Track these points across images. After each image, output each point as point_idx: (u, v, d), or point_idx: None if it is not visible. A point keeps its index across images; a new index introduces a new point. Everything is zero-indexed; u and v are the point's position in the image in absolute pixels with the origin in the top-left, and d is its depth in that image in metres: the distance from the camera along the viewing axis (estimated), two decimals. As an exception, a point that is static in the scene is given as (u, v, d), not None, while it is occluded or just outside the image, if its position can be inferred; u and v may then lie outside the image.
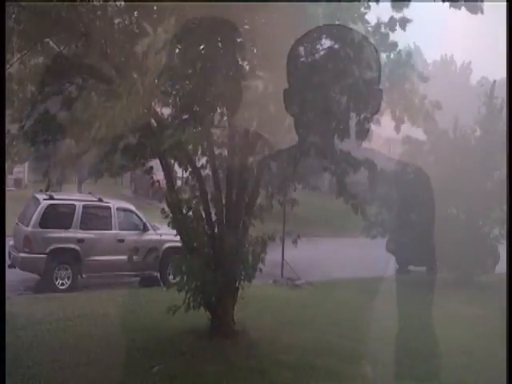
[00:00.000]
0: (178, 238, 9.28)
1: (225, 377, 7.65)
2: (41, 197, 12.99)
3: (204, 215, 9.07)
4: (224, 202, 9.02)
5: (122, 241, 13.33)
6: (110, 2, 7.46)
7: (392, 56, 8.23)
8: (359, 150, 8.05)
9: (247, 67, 7.63)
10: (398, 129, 8.37)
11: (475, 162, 15.62)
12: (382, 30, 7.94)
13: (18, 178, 23.08)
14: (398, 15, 7.82)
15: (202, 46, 7.41)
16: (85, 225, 13.22)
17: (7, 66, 7.42)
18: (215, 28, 7.24)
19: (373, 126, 7.42)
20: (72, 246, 12.96)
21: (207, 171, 9.08)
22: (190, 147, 8.17)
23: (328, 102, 6.45)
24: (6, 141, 7.63)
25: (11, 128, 8.22)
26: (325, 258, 16.65)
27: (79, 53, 7.88)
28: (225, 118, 8.33)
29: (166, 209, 9.05)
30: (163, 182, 9.40)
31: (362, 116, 6.45)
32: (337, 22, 7.25)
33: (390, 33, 8.01)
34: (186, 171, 9.22)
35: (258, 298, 10.75)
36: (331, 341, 9.25)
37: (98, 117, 6.67)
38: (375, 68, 6.53)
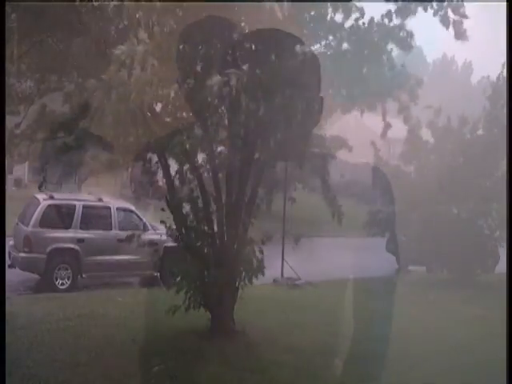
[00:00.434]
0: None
1: (225, 377, 7.65)
2: (41, 197, 12.98)
3: (204, 215, 9.07)
4: (224, 201, 9.02)
5: (121, 241, 13.31)
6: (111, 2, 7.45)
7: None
8: None
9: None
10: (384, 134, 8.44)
11: (475, 162, 15.62)
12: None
13: (18, 177, 23.08)
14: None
15: (200, 47, 7.43)
16: (85, 225, 13.21)
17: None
18: (213, 28, 7.27)
19: (373, 126, 7.45)
20: (72, 245, 12.96)
21: (207, 170, 9.08)
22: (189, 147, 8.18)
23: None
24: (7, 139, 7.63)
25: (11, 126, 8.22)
26: (325, 258, 16.64)
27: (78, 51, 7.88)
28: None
29: (166, 208, 9.05)
30: (163, 181, 9.39)
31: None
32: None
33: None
34: (185, 171, 9.21)
35: (257, 297, 10.75)
36: (331, 341, 9.25)
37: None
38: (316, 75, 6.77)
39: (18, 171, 22.73)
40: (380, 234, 16.60)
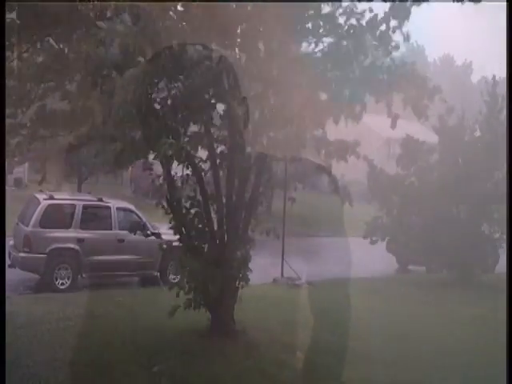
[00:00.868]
0: (177, 237, 9.27)
1: (225, 377, 7.66)
2: (41, 196, 12.98)
3: (204, 214, 9.07)
4: (224, 200, 9.02)
5: (121, 241, 13.32)
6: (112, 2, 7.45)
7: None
8: None
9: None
10: (394, 124, 8.36)
11: (475, 162, 15.62)
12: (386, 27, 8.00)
13: (17, 177, 23.05)
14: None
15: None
16: (85, 225, 13.21)
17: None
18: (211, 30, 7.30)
19: (373, 126, 7.49)
20: (72, 245, 12.95)
21: (207, 170, 9.08)
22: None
23: None
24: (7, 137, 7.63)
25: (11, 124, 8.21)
26: (325, 258, 16.64)
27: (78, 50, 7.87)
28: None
29: (166, 207, 9.05)
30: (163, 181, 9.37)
31: None
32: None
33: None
34: (186, 170, 9.20)
35: (257, 297, 10.75)
36: (331, 340, 9.25)
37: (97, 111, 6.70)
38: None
39: (18, 171, 22.71)
40: (380, 239, 16.57)
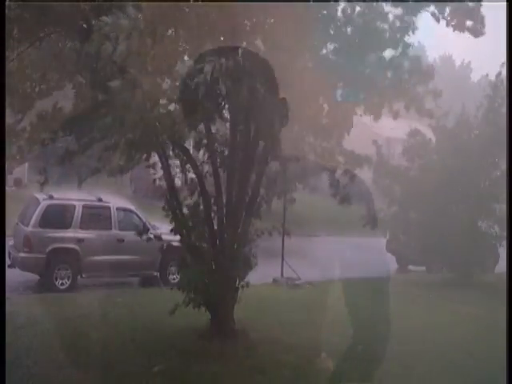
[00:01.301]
0: (177, 237, 9.27)
1: (225, 377, 7.65)
2: (41, 197, 12.98)
3: (204, 214, 9.07)
4: (224, 201, 9.02)
5: (121, 241, 13.32)
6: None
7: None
8: None
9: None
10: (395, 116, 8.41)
11: (475, 162, 15.61)
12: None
13: (17, 177, 23.03)
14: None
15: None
16: (85, 225, 13.21)
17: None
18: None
19: (374, 126, 7.50)
20: (72, 245, 12.95)
21: (208, 170, 9.08)
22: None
23: None
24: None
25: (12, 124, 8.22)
26: (325, 258, 16.63)
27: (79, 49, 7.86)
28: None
29: (167, 207, 9.05)
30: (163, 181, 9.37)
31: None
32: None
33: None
34: (186, 170, 9.20)
35: (258, 297, 10.75)
36: (331, 340, 9.24)
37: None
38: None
39: (18, 171, 22.70)
40: (382, 235, 16.57)
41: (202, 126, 8.63)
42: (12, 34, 7.37)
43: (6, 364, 6.01)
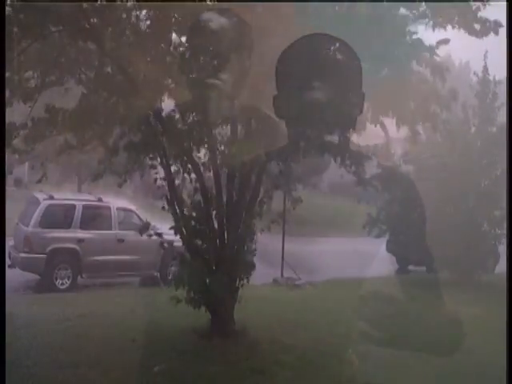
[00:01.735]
0: (177, 237, 9.27)
1: (225, 377, 7.65)
2: (41, 197, 13.00)
3: (205, 214, 9.06)
4: (225, 200, 9.02)
5: (121, 241, 13.33)
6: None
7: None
8: None
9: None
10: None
11: (475, 161, 15.61)
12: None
13: (17, 177, 23.04)
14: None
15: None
16: (85, 225, 13.23)
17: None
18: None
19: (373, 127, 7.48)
20: (72, 245, 12.96)
21: (208, 170, 9.07)
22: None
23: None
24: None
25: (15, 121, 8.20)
26: (325, 258, 16.63)
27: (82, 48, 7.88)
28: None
29: (167, 207, 9.05)
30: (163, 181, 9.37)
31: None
32: None
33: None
34: (186, 170, 9.19)
35: (258, 297, 10.74)
36: (331, 341, 9.25)
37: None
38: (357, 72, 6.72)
39: (18, 171, 22.70)
40: (382, 235, 16.56)
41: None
42: (12, 34, 7.37)
43: (6, 364, 6.00)
